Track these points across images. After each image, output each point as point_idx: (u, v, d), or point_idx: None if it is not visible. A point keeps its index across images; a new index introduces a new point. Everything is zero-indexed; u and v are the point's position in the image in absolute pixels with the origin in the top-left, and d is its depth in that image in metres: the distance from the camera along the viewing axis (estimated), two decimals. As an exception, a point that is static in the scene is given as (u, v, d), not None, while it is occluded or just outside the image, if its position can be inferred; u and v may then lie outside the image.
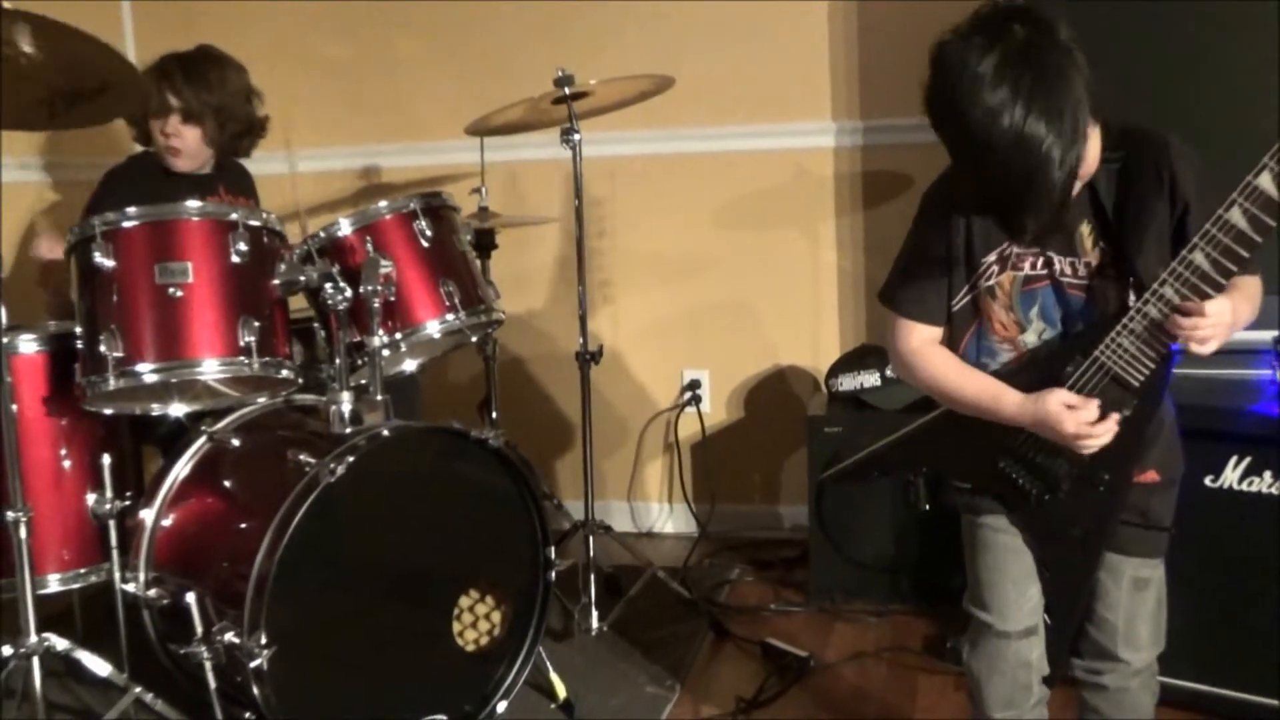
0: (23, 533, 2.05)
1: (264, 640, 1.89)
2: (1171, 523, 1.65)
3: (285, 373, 2.24)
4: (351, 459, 1.97)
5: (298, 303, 2.36)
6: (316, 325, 2.46)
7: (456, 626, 2.19)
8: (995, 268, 1.59)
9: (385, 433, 2.13)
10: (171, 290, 2.11)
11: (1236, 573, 2.09)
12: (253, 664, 1.88)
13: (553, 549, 2.31)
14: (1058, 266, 1.56)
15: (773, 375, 3.49)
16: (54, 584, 2.25)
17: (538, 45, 3.40)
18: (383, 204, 2.40)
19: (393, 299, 2.28)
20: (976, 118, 1.33)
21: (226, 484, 2.28)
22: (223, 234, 2.16)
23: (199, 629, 2.00)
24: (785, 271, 3.41)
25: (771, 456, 3.49)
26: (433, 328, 2.37)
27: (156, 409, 2.33)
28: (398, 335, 2.33)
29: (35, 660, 2.06)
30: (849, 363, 3.00)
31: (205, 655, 1.98)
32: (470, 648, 2.21)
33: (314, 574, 2.00)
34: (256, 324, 2.15)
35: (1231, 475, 2.08)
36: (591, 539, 2.78)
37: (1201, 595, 2.04)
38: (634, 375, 3.58)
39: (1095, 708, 1.73)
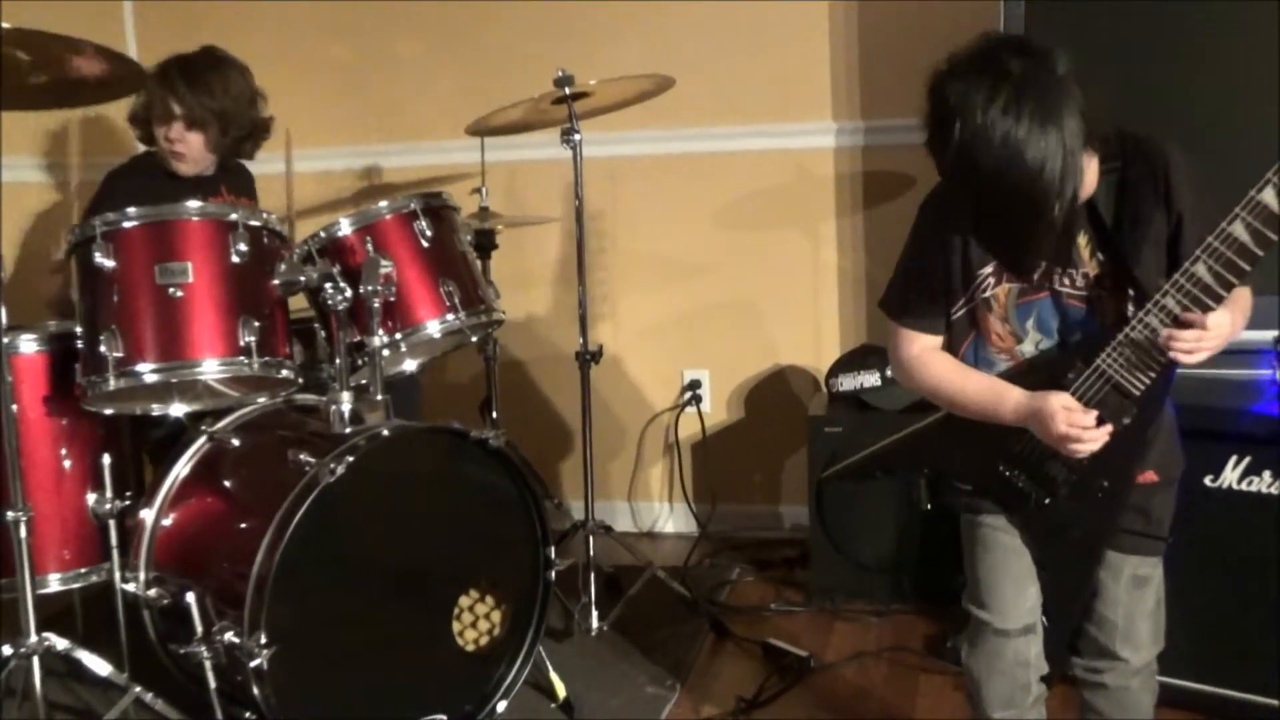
0: (23, 532, 2.05)
1: (264, 640, 1.89)
2: (1170, 528, 1.65)
3: (285, 373, 2.24)
4: (351, 459, 1.97)
5: (298, 303, 2.36)
6: (317, 325, 2.46)
7: (457, 626, 2.19)
8: (991, 280, 1.59)
9: (385, 433, 2.13)
10: (172, 290, 2.11)
11: (1236, 573, 2.09)
12: (253, 664, 1.88)
13: (553, 549, 2.31)
14: (1056, 278, 1.56)
15: (773, 375, 3.49)
16: (54, 584, 2.26)
17: (538, 45, 3.40)
18: (383, 204, 2.40)
19: (393, 299, 2.27)
20: (980, 160, 1.35)
21: (226, 484, 2.28)
22: (223, 234, 2.16)
23: (199, 629, 2.00)
24: (786, 271, 3.41)
25: (772, 456, 3.49)
26: (433, 328, 2.37)
27: (157, 409, 2.33)
28: (398, 335, 2.34)
29: (35, 660, 2.07)
30: (849, 363, 3.00)
31: (205, 655, 1.98)
32: (470, 647, 2.21)
33: (314, 574, 2.00)
34: (257, 324, 2.15)
35: (1231, 475, 2.08)
36: (592, 539, 2.77)
37: (1201, 595, 2.04)
38: (634, 375, 3.58)
39: (1095, 707, 1.73)
